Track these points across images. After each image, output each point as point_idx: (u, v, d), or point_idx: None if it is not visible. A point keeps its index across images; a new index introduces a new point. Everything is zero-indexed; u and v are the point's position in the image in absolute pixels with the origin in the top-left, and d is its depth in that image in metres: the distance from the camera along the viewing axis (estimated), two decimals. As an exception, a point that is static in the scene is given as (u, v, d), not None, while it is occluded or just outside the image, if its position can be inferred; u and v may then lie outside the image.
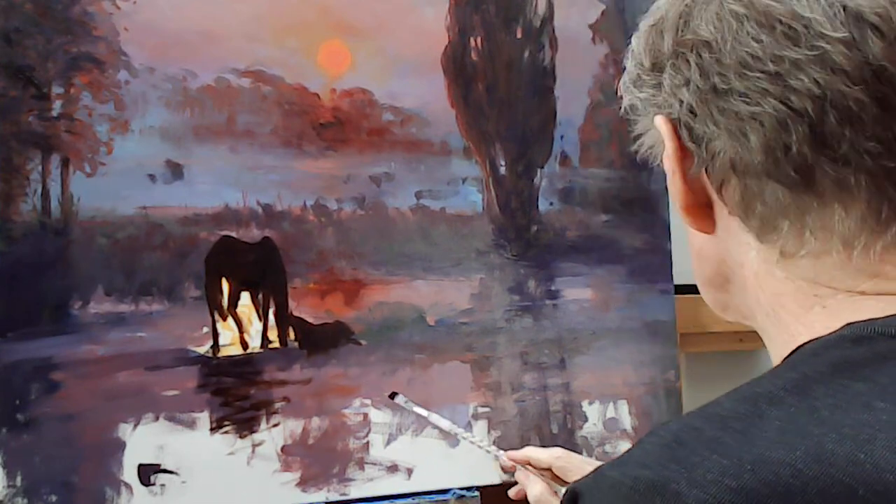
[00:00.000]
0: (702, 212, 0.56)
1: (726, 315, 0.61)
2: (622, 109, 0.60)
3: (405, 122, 1.31)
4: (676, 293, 1.42)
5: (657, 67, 0.55)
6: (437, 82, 1.33)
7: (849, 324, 0.49)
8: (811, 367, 0.47)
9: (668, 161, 0.55)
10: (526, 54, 1.39)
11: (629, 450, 0.48)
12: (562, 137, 1.40)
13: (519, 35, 1.39)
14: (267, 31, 1.24)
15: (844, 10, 0.48)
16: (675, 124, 0.54)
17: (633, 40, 0.59)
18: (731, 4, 0.51)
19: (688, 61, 0.53)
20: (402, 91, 1.30)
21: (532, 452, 1.10)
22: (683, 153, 0.55)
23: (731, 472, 0.42)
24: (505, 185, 1.37)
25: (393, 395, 1.22)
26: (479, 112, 1.35)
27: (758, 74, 0.50)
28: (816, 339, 0.50)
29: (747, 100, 0.50)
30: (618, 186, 1.40)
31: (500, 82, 1.37)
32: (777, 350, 0.54)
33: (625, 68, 0.60)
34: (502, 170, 1.37)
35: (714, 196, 0.55)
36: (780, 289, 0.53)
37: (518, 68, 1.38)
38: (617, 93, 0.62)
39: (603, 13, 1.44)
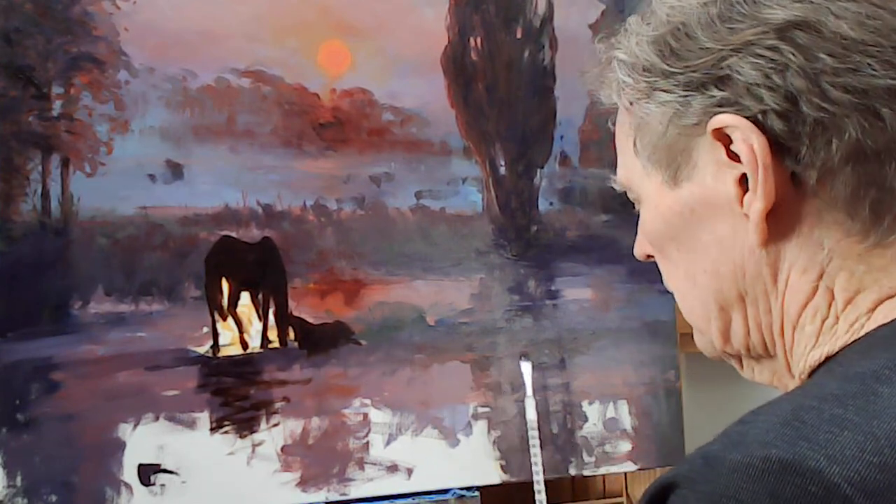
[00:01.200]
0: (771, 217, 0.53)
1: (720, 342, 0.59)
2: (632, 126, 0.58)
3: (405, 122, 1.31)
4: (676, 293, 1.42)
5: (699, 68, 0.53)
6: (436, 82, 1.33)
7: None
8: None
9: (754, 159, 0.51)
10: (526, 54, 1.39)
11: (735, 431, 0.45)
12: (562, 137, 1.40)
13: (519, 35, 1.39)
14: (267, 31, 1.24)
15: None
16: (752, 121, 0.51)
17: (623, 55, 0.57)
18: None
19: (774, 48, 0.50)
20: (402, 91, 1.30)
21: None
22: (773, 150, 0.51)
23: (869, 447, 0.41)
24: (505, 185, 1.37)
25: (523, 357, 1.26)
26: (478, 112, 1.35)
27: (887, 49, 0.49)
28: (889, 322, 0.50)
29: (878, 73, 0.49)
30: (618, 186, 1.39)
31: (499, 82, 1.37)
32: (810, 351, 0.53)
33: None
34: (502, 170, 1.37)
35: (802, 194, 0.52)
36: (856, 286, 0.52)
37: (518, 68, 1.38)
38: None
39: (603, 13, 1.44)
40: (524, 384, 1.26)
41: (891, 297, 0.52)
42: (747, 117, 0.51)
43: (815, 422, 0.43)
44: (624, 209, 1.41)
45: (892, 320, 0.50)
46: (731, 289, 0.56)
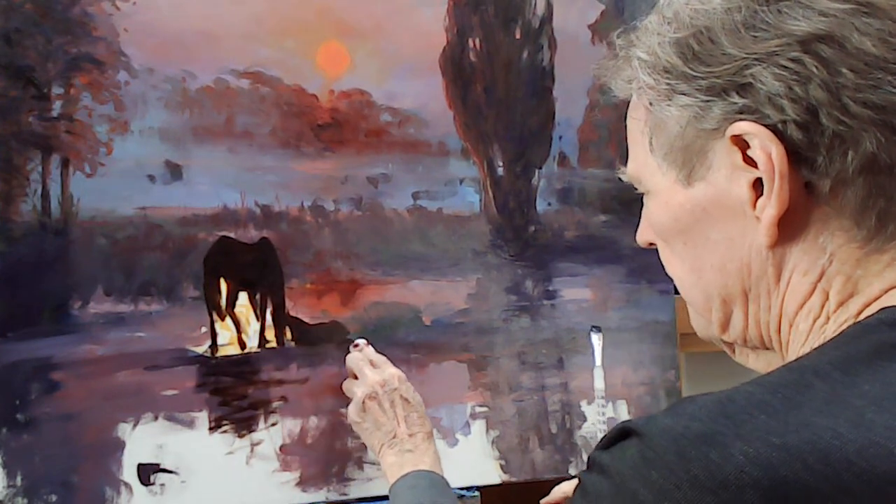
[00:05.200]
0: (781, 221, 0.55)
1: (717, 331, 0.62)
2: (644, 126, 0.59)
3: (403, 123, 1.31)
4: (676, 293, 1.42)
5: (721, 74, 0.54)
6: (435, 83, 1.33)
7: (883, 308, 0.52)
8: (854, 348, 0.50)
9: (771, 167, 0.53)
10: (525, 55, 1.39)
11: (681, 404, 0.50)
12: (560, 138, 1.40)
13: (518, 36, 1.39)
14: (266, 32, 1.24)
15: None
16: (772, 129, 0.52)
17: (644, 53, 0.58)
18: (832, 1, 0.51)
19: (798, 60, 0.51)
20: (400, 92, 1.31)
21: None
22: (790, 159, 0.53)
23: (776, 430, 0.45)
24: (503, 186, 1.37)
25: (593, 329, 1.34)
26: (477, 113, 1.36)
27: None
28: (857, 322, 0.52)
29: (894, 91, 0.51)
30: (616, 187, 1.39)
31: (498, 83, 1.37)
32: (800, 348, 0.56)
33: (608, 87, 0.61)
34: (500, 170, 1.37)
35: (814, 202, 0.53)
36: (850, 289, 0.54)
37: (517, 69, 1.38)
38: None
39: (602, 13, 1.44)
40: (593, 354, 1.33)
41: (877, 299, 0.53)
42: (767, 125, 0.52)
43: (743, 403, 0.47)
44: (623, 209, 1.42)
45: (862, 320, 0.52)
46: (736, 285, 0.58)
